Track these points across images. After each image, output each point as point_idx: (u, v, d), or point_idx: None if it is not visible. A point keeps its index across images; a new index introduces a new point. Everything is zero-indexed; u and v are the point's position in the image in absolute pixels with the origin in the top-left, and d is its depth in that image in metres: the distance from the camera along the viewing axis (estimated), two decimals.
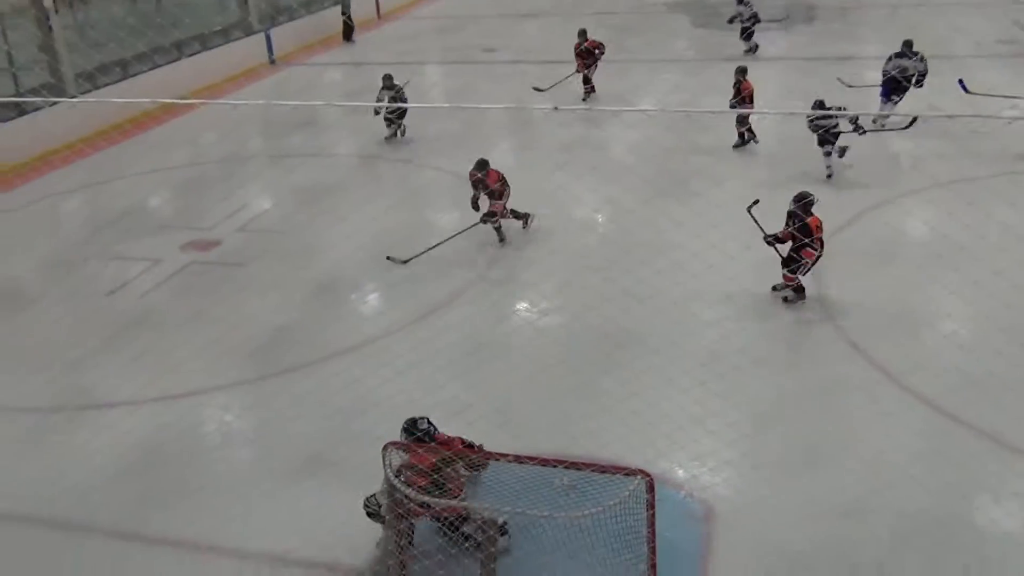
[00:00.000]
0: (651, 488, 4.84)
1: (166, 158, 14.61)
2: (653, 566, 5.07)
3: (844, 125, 11.44)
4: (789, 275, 8.63)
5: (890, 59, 13.44)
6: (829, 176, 11.66)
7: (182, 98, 15.02)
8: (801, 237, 8.32)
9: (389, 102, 13.70)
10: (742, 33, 18.82)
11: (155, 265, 10.61)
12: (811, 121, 11.50)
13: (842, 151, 11.80)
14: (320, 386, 7.86)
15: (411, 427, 5.72)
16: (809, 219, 8.30)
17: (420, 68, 19.14)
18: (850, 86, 14.35)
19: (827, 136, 11.62)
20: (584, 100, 15.88)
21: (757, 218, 8.64)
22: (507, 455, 5.33)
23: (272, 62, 21.03)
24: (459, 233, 10.15)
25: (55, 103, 13.61)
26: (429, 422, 5.79)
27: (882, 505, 6.08)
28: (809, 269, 8.56)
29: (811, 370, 7.78)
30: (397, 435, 5.66)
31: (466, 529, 5.69)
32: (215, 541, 6.13)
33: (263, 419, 7.64)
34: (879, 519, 5.97)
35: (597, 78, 16.09)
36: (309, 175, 13.42)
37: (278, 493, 6.45)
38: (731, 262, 8.33)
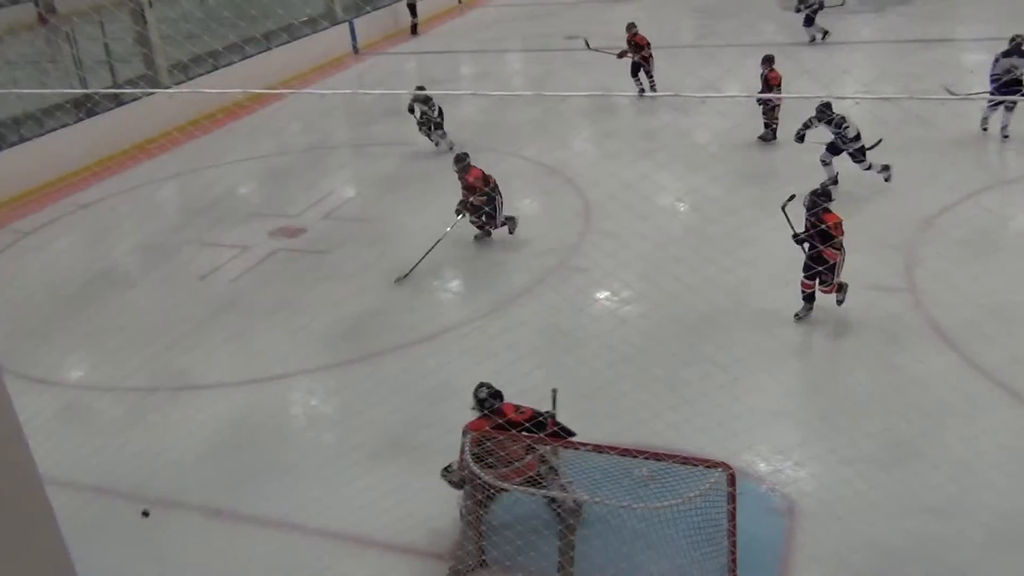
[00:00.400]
0: (732, 481, 4.78)
1: (255, 147, 14.99)
2: (734, 559, 5.00)
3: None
4: (807, 281, 8.01)
5: (997, 59, 11.65)
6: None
7: (271, 88, 15.37)
8: (818, 243, 7.69)
9: (421, 115, 13.56)
10: (805, 21, 17.94)
11: (244, 251, 10.90)
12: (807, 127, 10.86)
13: (886, 174, 10.66)
14: (402, 372, 7.97)
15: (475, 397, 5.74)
16: (828, 218, 7.69)
17: (502, 56, 19.17)
18: (955, 95, 12.28)
19: (833, 144, 10.72)
20: (639, 97, 15.48)
21: (790, 216, 8.02)
22: (587, 444, 5.32)
23: (356, 51, 21.35)
24: (439, 240, 9.95)
25: (150, 94, 14.09)
26: (489, 390, 5.74)
27: (975, 504, 5.86)
28: (838, 275, 7.90)
29: (902, 364, 7.52)
30: None
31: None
32: (299, 520, 6.30)
33: (346, 403, 7.80)
34: (972, 519, 5.75)
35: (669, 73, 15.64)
36: (392, 164, 13.60)
37: (360, 476, 6.57)
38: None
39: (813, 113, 10.71)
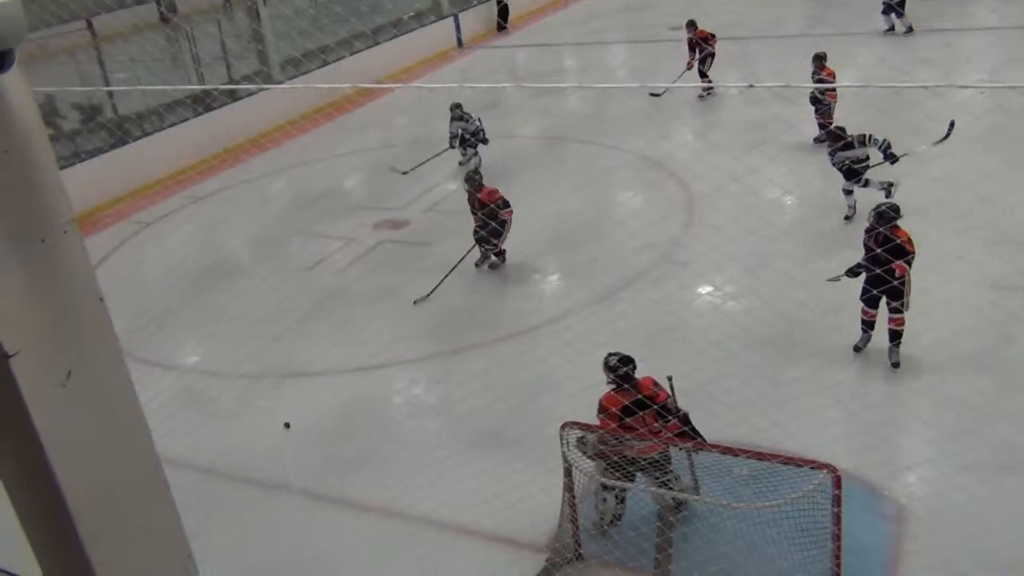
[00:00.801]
0: (838, 483, 4.61)
1: (362, 141, 15.31)
2: (838, 564, 4.82)
3: (874, 156, 9.78)
4: (897, 316, 7.09)
5: None
6: (847, 218, 9.85)
7: (378, 82, 15.66)
8: (889, 257, 6.85)
9: (460, 134, 13.05)
10: (895, 10, 16.90)
11: (350, 243, 11.15)
12: (831, 154, 9.87)
13: (887, 189, 9.61)
14: (502, 364, 8.00)
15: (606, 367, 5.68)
16: (899, 233, 6.96)
17: (605, 47, 19.02)
18: None
19: (853, 170, 9.74)
20: (702, 98, 14.96)
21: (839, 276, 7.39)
22: (688, 441, 5.23)
23: (460, 45, 21.55)
24: (456, 265, 9.65)
25: (264, 89, 14.57)
26: (618, 356, 5.68)
27: None
28: (908, 299, 7.02)
29: (1019, 365, 7.10)
30: (578, 415, 5.66)
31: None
32: (400, 507, 6.39)
33: (447, 393, 7.88)
34: None
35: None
36: (494, 157, 13.65)
37: (460, 466, 6.62)
38: (935, 248, 7.73)
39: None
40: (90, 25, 15.23)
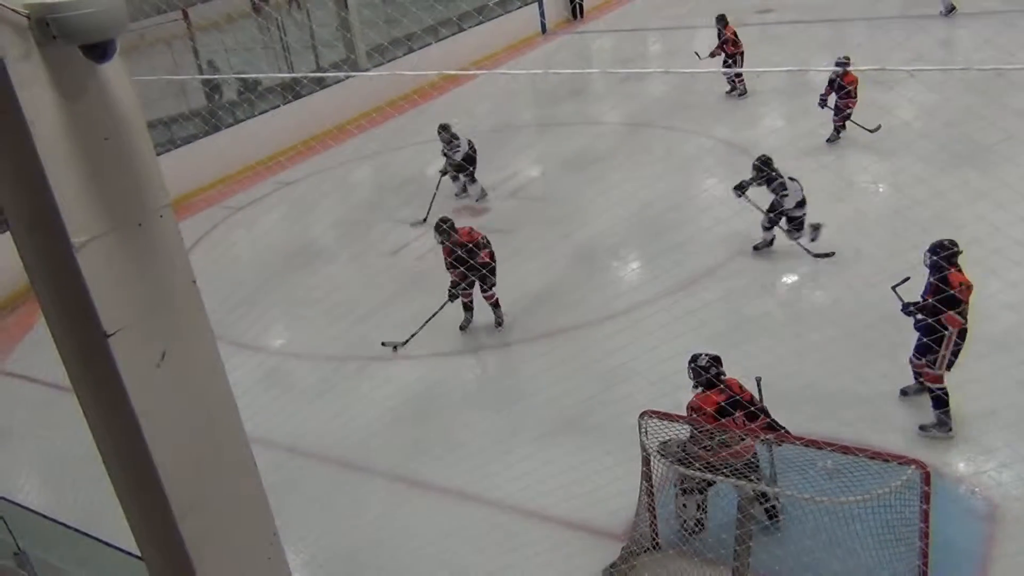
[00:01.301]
0: (927, 479, 4.48)
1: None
2: (926, 561, 4.68)
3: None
4: (927, 367, 6.29)
5: None
6: (756, 248, 9.35)
7: (463, 69, 15.73)
8: (940, 306, 5.97)
9: (446, 156, 11.78)
10: None
11: (432, 229, 11.24)
12: (739, 188, 9.20)
13: (815, 231, 9.00)
14: (582, 351, 7.98)
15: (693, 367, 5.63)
16: (950, 274, 6.10)
17: (693, 32, 18.67)
18: None
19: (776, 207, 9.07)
20: (736, 95, 14.41)
21: (901, 294, 6.43)
22: (772, 434, 5.13)
23: (544, 31, 21.47)
24: (435, 313, 8.64)
25: (351, 76, 14.80)
26: (711, 359, 5.62)
27: None
28: (954, 355, 6.14)
29: None
30: (657, 404, 5.62)
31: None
32: (477, 491, 6.46)
33: (525, 380, 7.90)
34: None
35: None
36: (578, 143, 13.59)
37: (536, 452, 6.65)
38: None
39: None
40: (186, 15, 15.69)
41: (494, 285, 8.58)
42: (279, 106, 15.68)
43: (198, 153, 14.02)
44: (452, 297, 8.53)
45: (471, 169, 11.78)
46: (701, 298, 8.49)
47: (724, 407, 5.36)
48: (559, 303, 8.99)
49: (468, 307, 8.76)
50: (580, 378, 7.54)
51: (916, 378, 6.61)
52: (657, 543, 5.67)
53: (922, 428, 6.31)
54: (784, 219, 9.06)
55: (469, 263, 8.21)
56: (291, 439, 7.31)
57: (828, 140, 11.68)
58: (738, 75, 14.24)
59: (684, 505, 5.68)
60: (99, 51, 2.03)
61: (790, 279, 8.78)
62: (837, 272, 8.50)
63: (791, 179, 8.91)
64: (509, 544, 5.93)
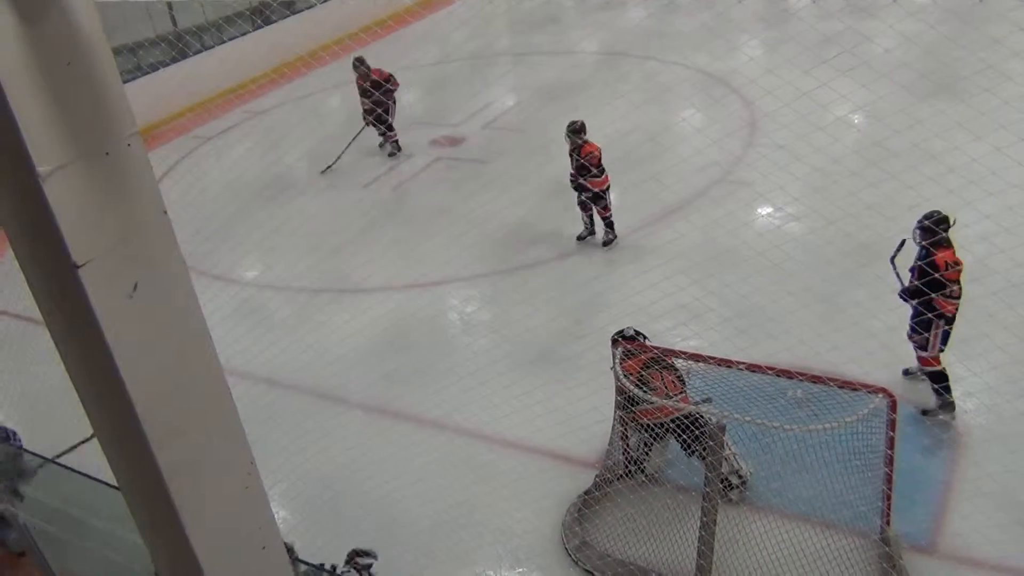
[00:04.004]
0: (894, 407, 4.57)
1: (421, 54, 15.13)
2: (890, 486, 4.81)
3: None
4: (921, 355, 6.05)
5: None
6: (580, 237, 8.78)
7: None
8: (925, 289, 5.70)
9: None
10: None
11: (406, 159, 11.13)
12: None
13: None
14: (557, 283, 8.00)
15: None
16: (936, 255, 5.78)
17: None
18: None
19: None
20: None
21: (899, 269, 6.13)
22: (741, 363, 5.19)
23: None
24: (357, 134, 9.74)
25: (323, 1, 14.43)
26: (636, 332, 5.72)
27: None
28: (944, 338, 5.91)
29: None
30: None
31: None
32: (452, 421, 6.52)
33: (501, 311, 7.92)
34: None
35: None
36: (553, 73, 13.42)
37: (513, 383, 6.70)
38: (1015, 168, 7.42)
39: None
40: None
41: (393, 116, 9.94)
42: (248, 32, 15.29)
43: (166, 80, 13.69)
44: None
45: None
46: (677, 229, 8.50)
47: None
48: (534, 235, 8.98)
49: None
50: (555, 310, 7.57)
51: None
52: (630, 471, 5.77)
53: (924, 413, 6.00)
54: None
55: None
56: (266, 370, 7.31)
57: (579, 237, 8.89)
58: None
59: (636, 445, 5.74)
60: None
61: (766, 210, 8.81)
62: (813, 202, 8.52)
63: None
64: (484, 472, 6.02)
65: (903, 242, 6.17)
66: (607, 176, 8.49)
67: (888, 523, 4.99)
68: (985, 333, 6.44)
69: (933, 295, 5.73)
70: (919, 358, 6.09)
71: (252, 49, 14.69)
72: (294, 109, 13.76)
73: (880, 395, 4.63)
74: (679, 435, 5.33)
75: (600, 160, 8.43)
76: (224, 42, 14.92)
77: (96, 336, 2.12)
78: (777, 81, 9.87)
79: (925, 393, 6.12)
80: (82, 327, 2.13)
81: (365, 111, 11.18)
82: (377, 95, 10.74)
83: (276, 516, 2.70)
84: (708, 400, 5.29)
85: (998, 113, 8.38)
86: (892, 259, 6.21)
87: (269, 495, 2.84)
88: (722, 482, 5.38)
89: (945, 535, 5.16)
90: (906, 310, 6.14)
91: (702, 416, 5.21)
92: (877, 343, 6.29)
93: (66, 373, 2.32)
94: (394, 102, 11.25)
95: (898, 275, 6.12)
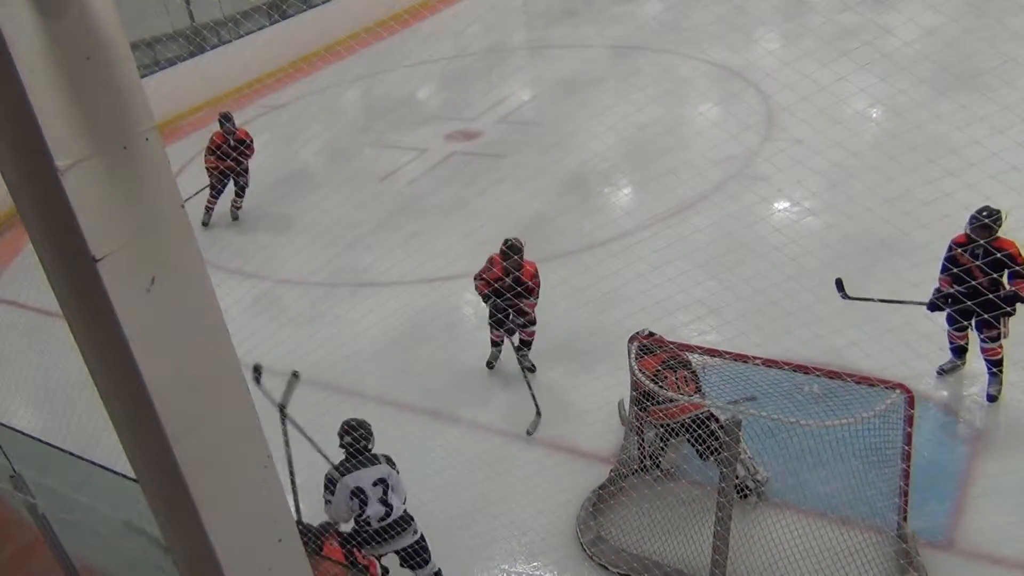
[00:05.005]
0: (911, 403, 4.56)
1: (436, 49, 15.13)
2: (907, 481, 4.78)
3: None
4: (957, 333, 6.11)
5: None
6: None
7: None
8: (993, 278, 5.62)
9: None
10: None
11: (422, 154, 11.14)
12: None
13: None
14: (573, 277, 7.97)
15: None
16: (1005, 245, 5.77)
17: None
18: None
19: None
20: None
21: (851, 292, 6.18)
22: (758, 358, 5.17)
23: None
24: None
25: None
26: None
27: None
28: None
29: None
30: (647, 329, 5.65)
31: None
32: (469, 415, 6.53)
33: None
34: None
35: None
36: (569, 67, 13.38)
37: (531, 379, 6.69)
38: None
39: None
40: None
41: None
42: (265, 26, 15.33)
43: (183, 75, 13.75)
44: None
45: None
46: (693, 223, 8.47)
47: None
48: (550, 229, 8.96)
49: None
50: (571, 304, 7.56)
51: (955, 354, 6.29)
52: (644, 465, 5.76)
53: (990, 399, 5.98)
54: None
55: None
56: (282, 365, 7.32)
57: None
58: None
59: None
60: None
61: (783, 204, 8.76)
62: (831, 197, 8.47)
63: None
64: (499, 467, 6.02)
65: (839, 280, 6.25)
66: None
67: (905, 519, 4.96)
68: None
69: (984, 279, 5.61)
70: (989, 350, 5.91)
71: (269, 43, 14.75)
72: (310, 103, 13.79)
73: (898, 390, 4.60)
74: (693, 440, 5.32)
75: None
76: (241, 36, 14.95)
77: (114, 329, 2.13)
78: (795, 75, 9.80)
79: (950, 388, 6.07)
80: (100, 320, 2.14)
81: (214, 169, 10.08)
82: (234, 155, 9.82)
83: (292, 510, 2.71)
84: (752, 398, 5.25)
85: (1020, 107, 8.28)
86: (847, 297, 6.23)
87: (284, 489, 2.86)
88: (738, 488, 5.38)
89: (963, 531, 5.13)
90: (924, 315, 6.06)
91: (714, 414, 5.21)
92: (895, 338, 6.24)
93: (85, 366, 2.34)
94: (246, 170, 10.24)
95: (868, 299, 6.16)
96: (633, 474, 5.73)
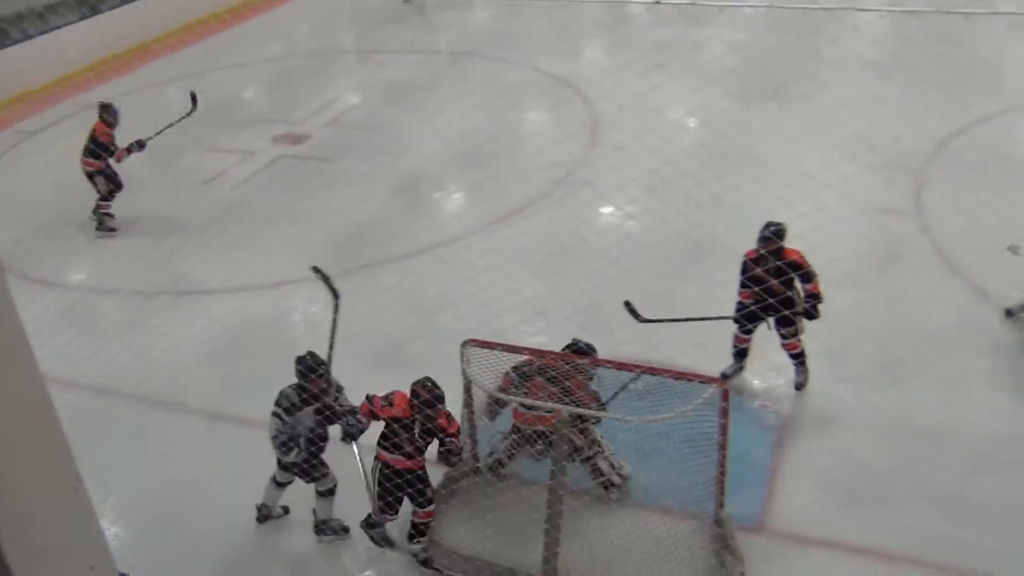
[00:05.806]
0: (726, 396, 4.83)
1: (261, 50, 14.72)
2: (723, 472, 5.08)
3: None
4: (743, 336, 6.49)
5: None
6: None
7: None
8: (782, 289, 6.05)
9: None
10: None
11: (248, 157, 10.82)
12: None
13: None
14: (401, 281, 7.98)
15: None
16: (790, 254, 6.15)
17: None
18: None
19: None
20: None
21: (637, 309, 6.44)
22: (584, 357, 5.35)
23: None
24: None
25: None
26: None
27: (965, 427, 5.91)
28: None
29: (902, 286, 7.49)
30: (476, 332, 5.71)
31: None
32: None
33: (345, 311, 7.78)
34: (961, 442, 5.81)
35: None
36: (399, 71, 13.35)
37: (358, 383, 6.61)
38: (829, 170, 7.99)
39: None
40: None
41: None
42: (73, 21, 14.40)
43: None
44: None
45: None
46: (521, 227, 8.66)
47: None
48: (379, 234, 8.91)
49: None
50: (401, 309, 7.55)
51: (737, 357, 6.61)
52: (477, 467, 5.84)
53: (798, 387, 6.42)
54: None
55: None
56: (96, 378, 6.93)
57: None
58: None
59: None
60: None
61: (606, 209, 9.09)
62: (648, 202, 8.86)
63: None
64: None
65: (628, 304, 6.45)
66: None
67: (722, 506, 5.26)
68: (807, 325, 6.89)
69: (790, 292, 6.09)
70: (789, 345, 6.35)
71: (80, 39, 13.88)
72: (126, 102, 13.05)
73: (714, 385, 4.88)
74: (547, 448, 5.39)
75: None
76: (47, 31, 13.99)
77: None
78: (615, 84, 10.22)
79: (760, 379, 6.49)
80: None
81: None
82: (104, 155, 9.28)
83: (107, 532, 2.59)
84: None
85: (814, 119, 8.99)
86: (642, 320, 6.43)
87: (99, 510, 2.71)
88: (603, 483, 5.54)
89: (773, 515, 5.50)
90: (730, 302, 6.46)
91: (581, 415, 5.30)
92: (708, 336, 6.62)
93: None
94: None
95: (664, 319, 6.46)
96: (465, 476, 5.79)
